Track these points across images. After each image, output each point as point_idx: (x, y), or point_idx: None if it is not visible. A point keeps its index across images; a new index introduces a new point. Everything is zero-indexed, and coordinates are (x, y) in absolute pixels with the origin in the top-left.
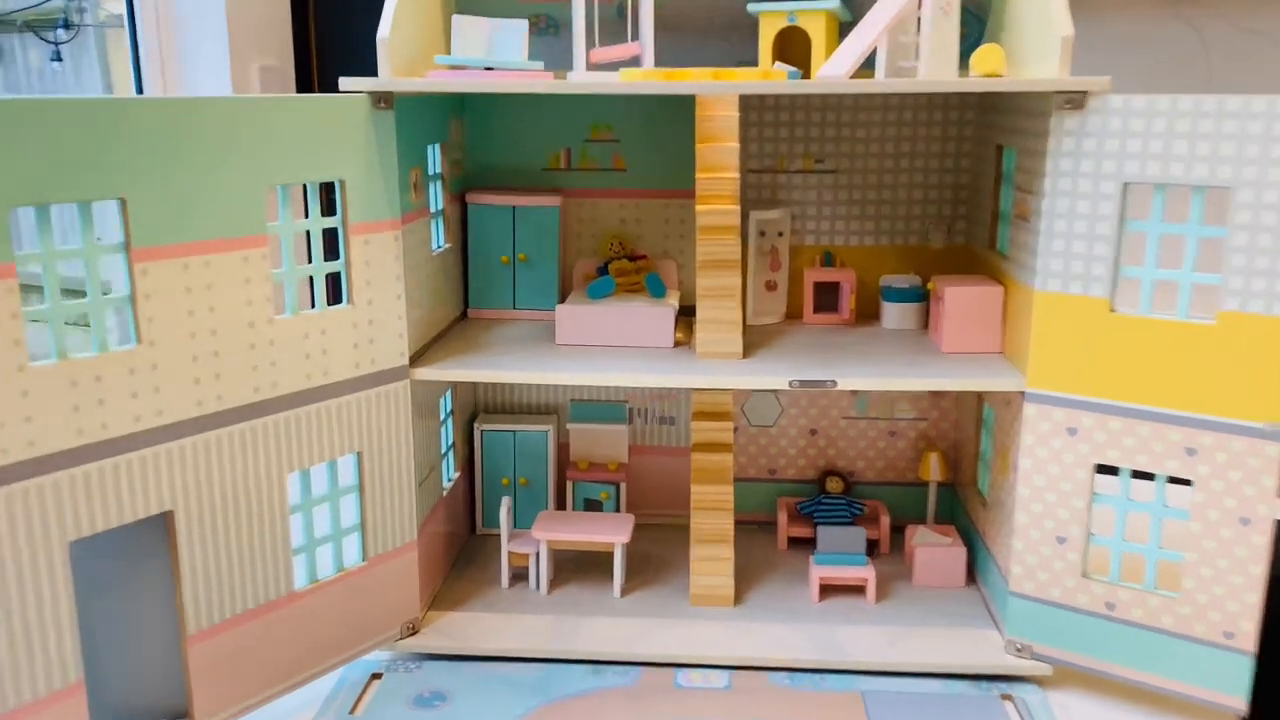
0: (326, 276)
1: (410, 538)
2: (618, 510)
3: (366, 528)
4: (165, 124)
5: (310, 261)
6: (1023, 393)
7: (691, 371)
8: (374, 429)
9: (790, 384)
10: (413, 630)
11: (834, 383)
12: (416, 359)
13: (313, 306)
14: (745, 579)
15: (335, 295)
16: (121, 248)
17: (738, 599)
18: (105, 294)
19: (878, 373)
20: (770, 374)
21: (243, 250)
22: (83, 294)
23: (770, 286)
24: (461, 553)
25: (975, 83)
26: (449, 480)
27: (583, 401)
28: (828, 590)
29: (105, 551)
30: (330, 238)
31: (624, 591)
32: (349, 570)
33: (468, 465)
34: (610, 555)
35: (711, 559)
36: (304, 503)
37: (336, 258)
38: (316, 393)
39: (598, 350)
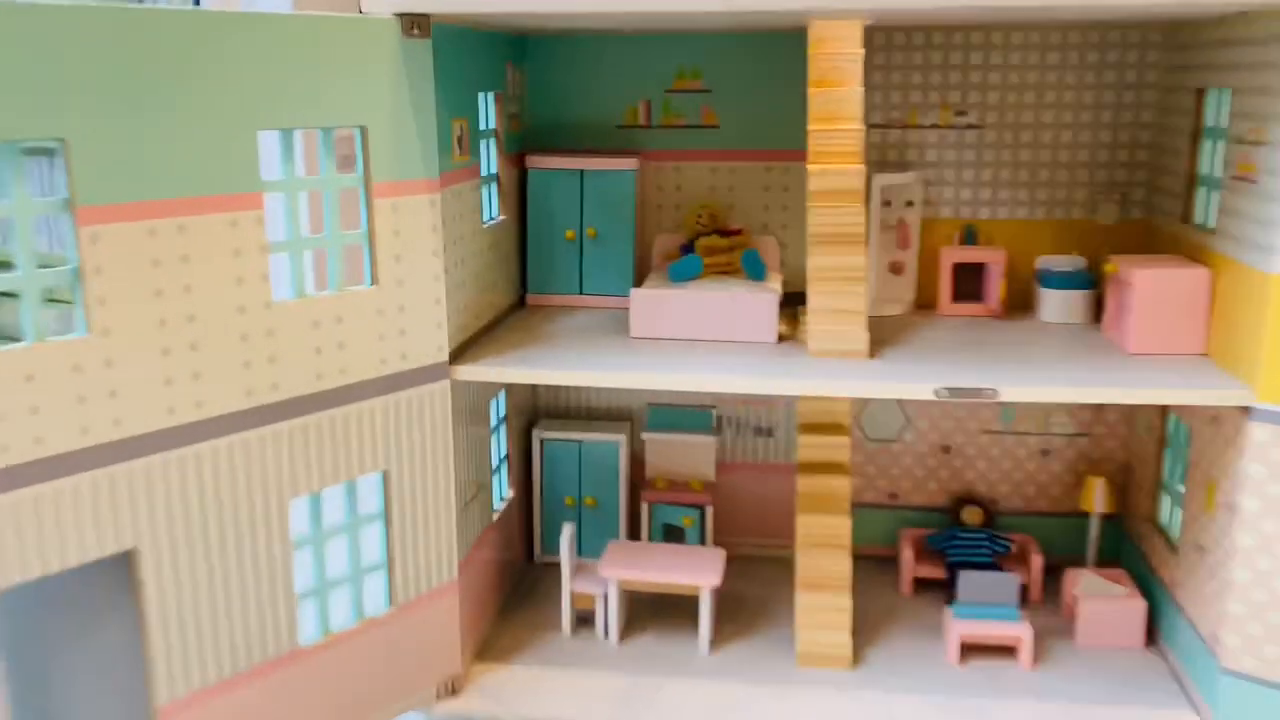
0: (344, 250)
1: (450, 576)
2: (702, 540)
3: (394, 566)
4: (120, 42)
5: (323, 231)
6: (1247, 409)
7: (803, 374)
8: (404, 442)
9: (937, 393)
10: (453, 691)
11: (994, 392)
12: (459, 355)
13: (326, 288)
14: (863, 631)
15: (356, 274)
16: (64, 206)
17: (856, 658)
18: (43, 267)
19: (1049, 379)
20: (907, 379)
21: (230, 212)
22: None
23: (896, 269)
24: (516, 586)
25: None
26: (501, 501)
27: (662, 406)
28: (970, 650)
29: (48, 602)
30: (351, 201)
31: (713, 645)
32: (371, 619)
33: (524, 481)
34: (694, 599)
35: (823, 609)
36: (313, 536)
37: (357, 227)
38: (330, 397)
39: (681, 346)
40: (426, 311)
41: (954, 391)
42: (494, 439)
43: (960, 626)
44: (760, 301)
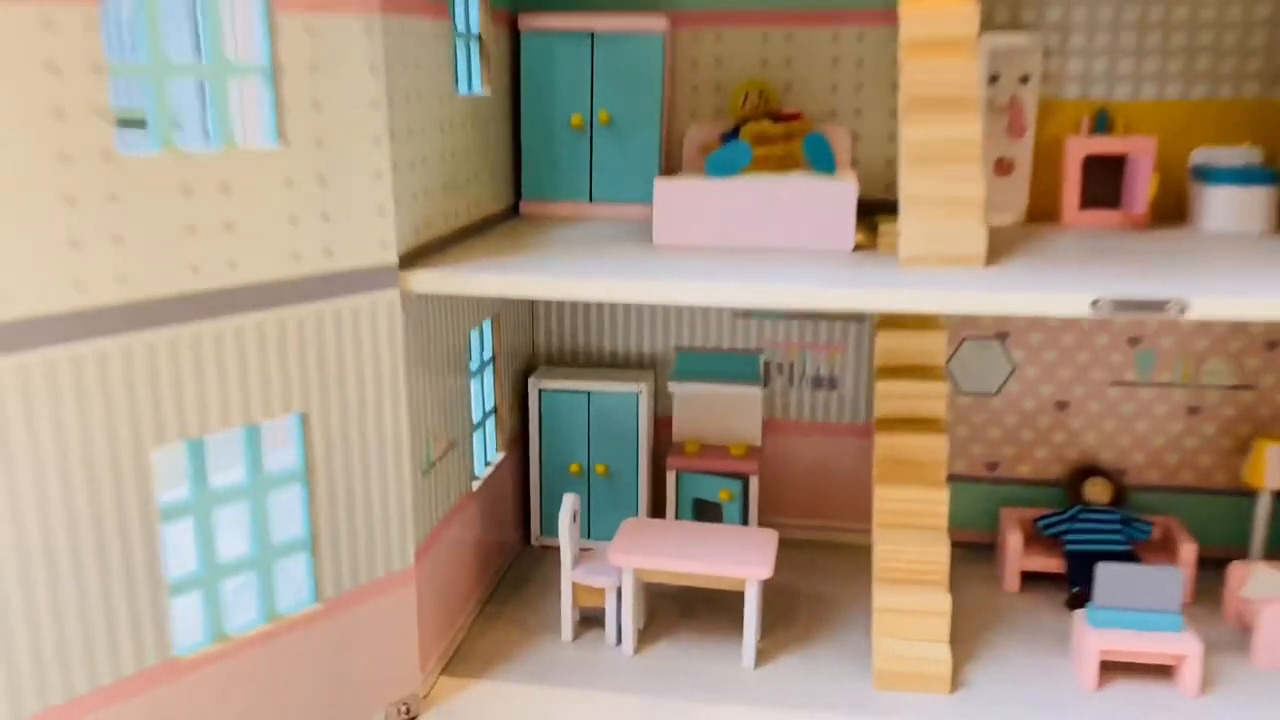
0: (236, 89)
1: (404, 563)
2: (744, 521)
3: (320, 547)
4: None
5: (202, 56)
6: None
7: (906, 284)
8: (332, 374)
9: (1097, 307)
10: (408, 716)
11: (1179, 305)
12: (416, 259)
13: (207, 141)
14: (960, 641)
15: (253, 126)
16: None
17: (956, 680)
18: None
19: (1254, 293)
20: (1048, 288)
21: (40, 4)
22: None
23: (1003, 167)
24: (505, 577)
25: None
26: (486, 466)
27: (693, 350)
28: (1112, 670)
29: None
30: (248, 17)
31: (760, 658)
32: (288, 620)
33: (519, 443)
34: (736, 595)
35: (911, 611)
36: (194, 502)
37: (255, 56)
38: (213, 300)
39: (721, 255)
40: (362, 190)
41: (1122, 305)
42: (475, 385)
43: (1099, 639)
44: (836, 192)
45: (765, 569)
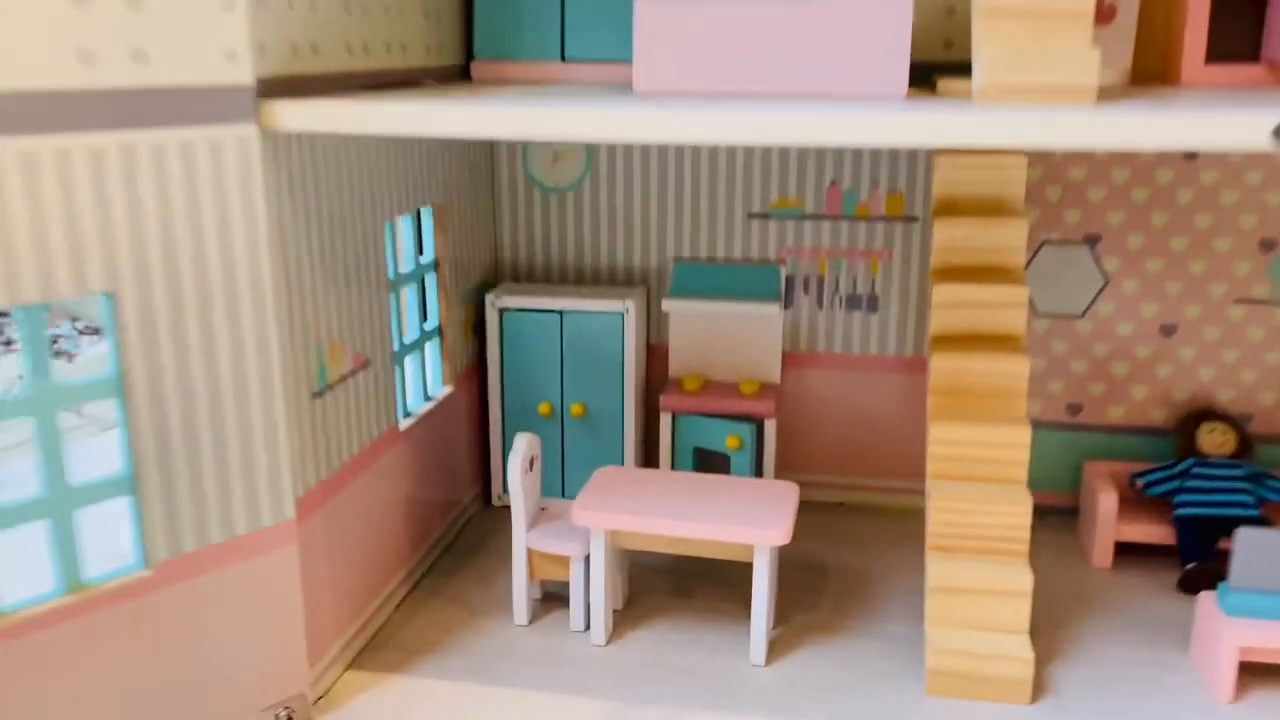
0: None
1: (279, 517)
2: (758, 472)
3: (146, 490)
4: None
5: None
6: None
7: (1003, 120)
8: (155, 239)
9: (1278, 134)
10: None
11: None
12: (287, 88)
13: None
14: (1038, 633)
15: None
16: None
17: (1037, 685)
18: None
19: None
20: (1202, 116)
21: None
22: None
23: (1103, 13)
24: (455, 544)
25: None
26: (426, 401)
27: (694, 261)
28: (1253, 672)
29: None
30: None
31: (773, 650)
32: (99, 591)
33: (475, 376)
34: (743, 569)
35: (977, 592)
36: None
37: None
38: None
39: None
40: None
41: None
42: (405, 295)
43: (1238, 632)
44: (885, 10)
45: (781, 532)
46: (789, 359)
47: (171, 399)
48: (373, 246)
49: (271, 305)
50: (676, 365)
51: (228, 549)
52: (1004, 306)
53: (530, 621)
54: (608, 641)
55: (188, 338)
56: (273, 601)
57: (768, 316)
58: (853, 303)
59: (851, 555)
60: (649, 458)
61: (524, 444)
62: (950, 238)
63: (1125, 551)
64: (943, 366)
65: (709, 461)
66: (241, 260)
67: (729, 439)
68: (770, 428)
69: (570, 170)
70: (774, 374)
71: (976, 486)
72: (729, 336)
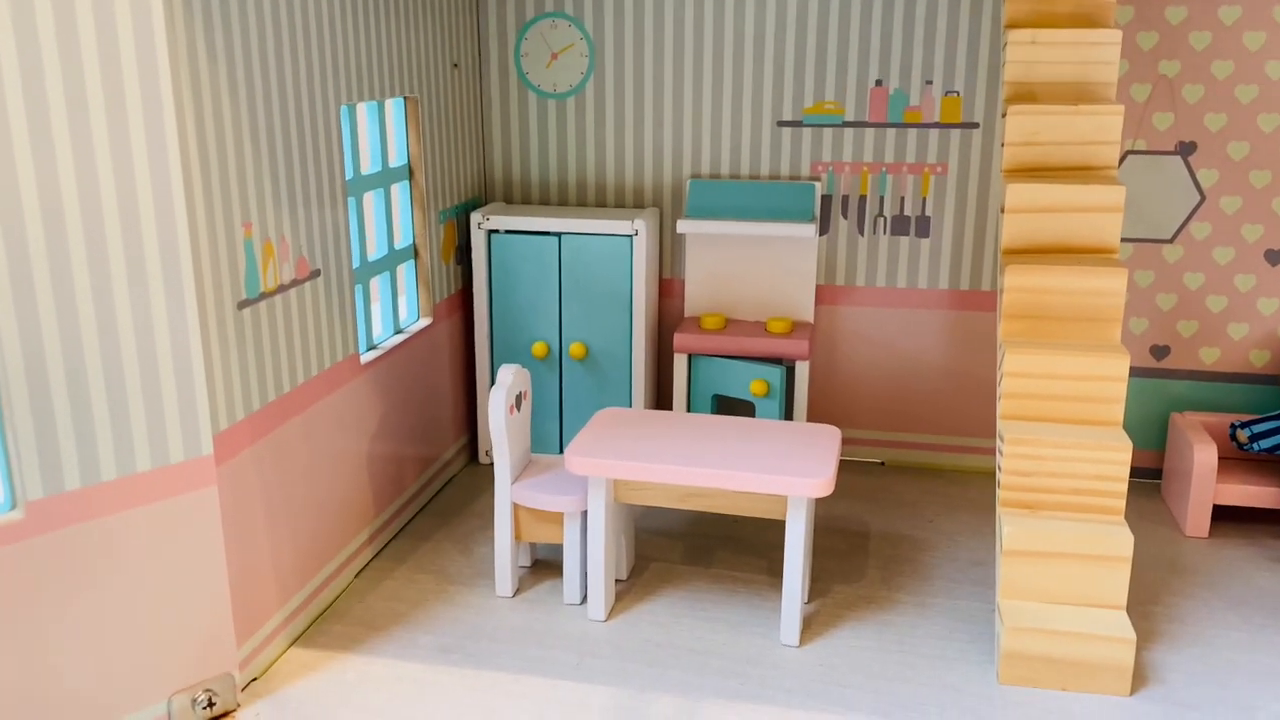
0: None
1: (197, 450)
2: (788, 415)
3: (9, 410)
4: None
5: None
6: None
7: None
8: (9, 69)
9: None
10: (210, 709)
11: None
12: None
13: None
14: (1133, 614)
15: None
16: None
17: (1139, 675)
18: None
19: None
20: None
21: None
22: None
23: None
24: (432, 503)
25: None
26: (396, 333)
27: (715, 179)
28: None
29: None
30: None
31: (808, 629)
32: None
33: (460, 309)
34: (771, 530)
35: (1062, 557)
36: None
37: None
38: None
39: None
40: None
41: None
42: (371, 203)
43: None
44: None
45: (822, 481)
46: (824, 293)
47: (44, 297)
48: (324, 132)
49: (179, 179)
50: (694, 300)
51: (123, 488)
52: (1094, 211)
53: (516, 593)
54: (608, 617)
55: (63, 216)
56: (187, 557)
57: (800, 242)
58: (899, 226)
59: (898, 520)
60: (661, 406)
61: (509, 376)
62: (1026, 130)
63: (1225, 517)
64: (1018, 284)
65: (730, 411)
66: (136, 115)
67: (754, 384)
68: (802, 372)
69: (570, 71)
70: (807, 310)
71: (1060, 428)
72: (754, 266)
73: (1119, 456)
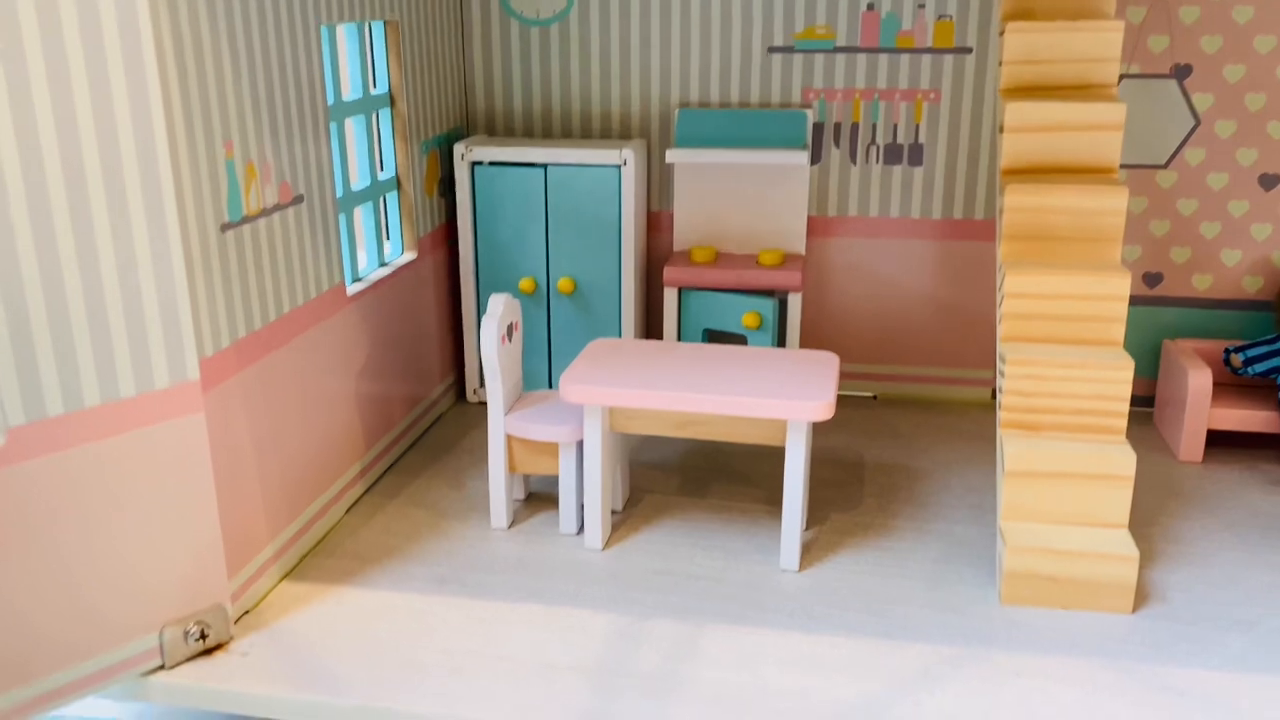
0: None
1: (183, 375)
2: (781, 343)
3: None
4: None
5: None
6: None
7: None
8: None
9: None
10: (203, 640)
11: None
12: None
13: None
14: (1133, 536)
15: None
16: None
17: (1140, 594)
18: None
19: None
20: None
21: None
22: None
23: None
24: (423, 440)
25: None
26: (381, 266)
27: (701, 106)
28: None
29: None
30: None
31: (808, 555)
32: None
33: (445, 244)
34: (767, 458)
35: (1065, 477)
36: None
37: None
38: None
39: None
40: None
41: None
42: (352, 130)
43: None
44: None
45: (821, 405)
46: (815, 225)
47: (19, 219)
48: (304, 52)
49: (157, 98)
50: (683, 233)
51: (107, 415)
52: (1095, 129)
53: (511, 525)
54: (605, 546)
55: (38, 135)
56: (175, 487)
57: (792, 170)
58: (892, 155)
59: (893, 450)
60: (651, 333)
61: (500, 306)
62: (1025, 47)
63: (1218, 442)
64: (1019, 203)
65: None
66: (112, 31)
67: (746, 317)
68: (794, 304)
69: None
70: (799, 242)
71: (1061, 347)
72: (745, 197)
73: (1120, 375)
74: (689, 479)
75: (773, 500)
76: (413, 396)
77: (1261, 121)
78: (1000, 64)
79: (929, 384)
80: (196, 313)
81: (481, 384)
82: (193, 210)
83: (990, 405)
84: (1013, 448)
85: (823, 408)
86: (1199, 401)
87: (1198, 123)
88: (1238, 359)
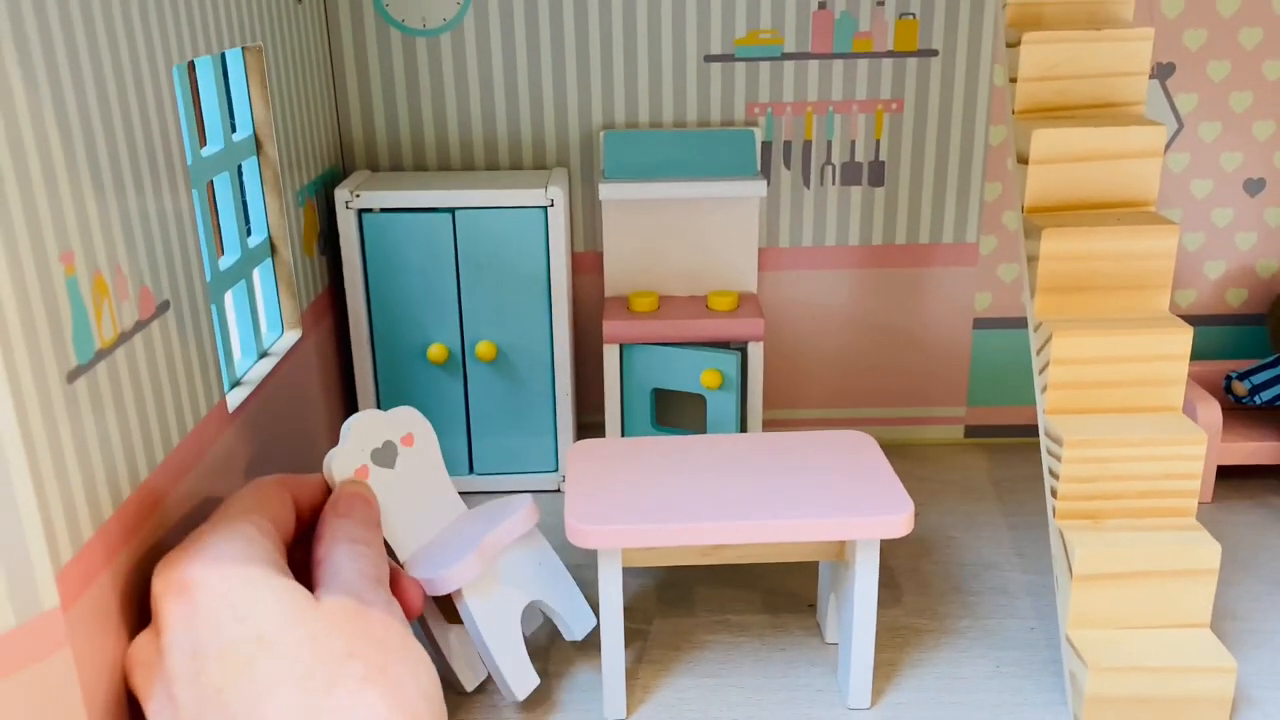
0: None
1: (39, 604)
2: (743, 419)
3: None
4: None
5: None
6: None
7: None
8: None
9: None
10: None
11: None
12: None
13: None
14: None
15: None
16: None
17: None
18: None
19: None
20: None
21: None
22: None
23: None
24: None
25: None
26: (261, 357)
27: (633, 129)
28: None
29: None
30: None
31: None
32: None
33: (331, 311)
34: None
35: (1142, 576)
36: None
37: None
38: None
39: None
40: None
41: None
42: (222, 192)
43: None
44: None
45: (901, 519)
46: (766, 257)
47: None
48: (154, 105)
49: None
50: (615, 276)
51: None
52: (1133, 157)
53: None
54: (629, 714)
55: None
56: None
57: (743, 197)
58: (851, 175)
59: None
60: (587, 408)
61: (361, 426)
62: (1044, 61)
63: (1229, 478)
64: (1057, 249)
65: (676, 409)
66: None
67: (705, 375)
68: (756, 355)
69: (442, 1)
70: (749, 279)
71: (1123, 420)
72: (686, 230)
73: (1194, 451)
74: (666, 586)
75: (771, 608)
76: None
77: (1248, 122)
78: (1012, 80)
79: (898, 426)
80: (45, 509)
81: None
82: (26, 363)
83: (964, 445)
84: (1083, 549)
85: (903, 522)
86: (1210, 439)
87: (1181, 126)
88: (1242, 386)
